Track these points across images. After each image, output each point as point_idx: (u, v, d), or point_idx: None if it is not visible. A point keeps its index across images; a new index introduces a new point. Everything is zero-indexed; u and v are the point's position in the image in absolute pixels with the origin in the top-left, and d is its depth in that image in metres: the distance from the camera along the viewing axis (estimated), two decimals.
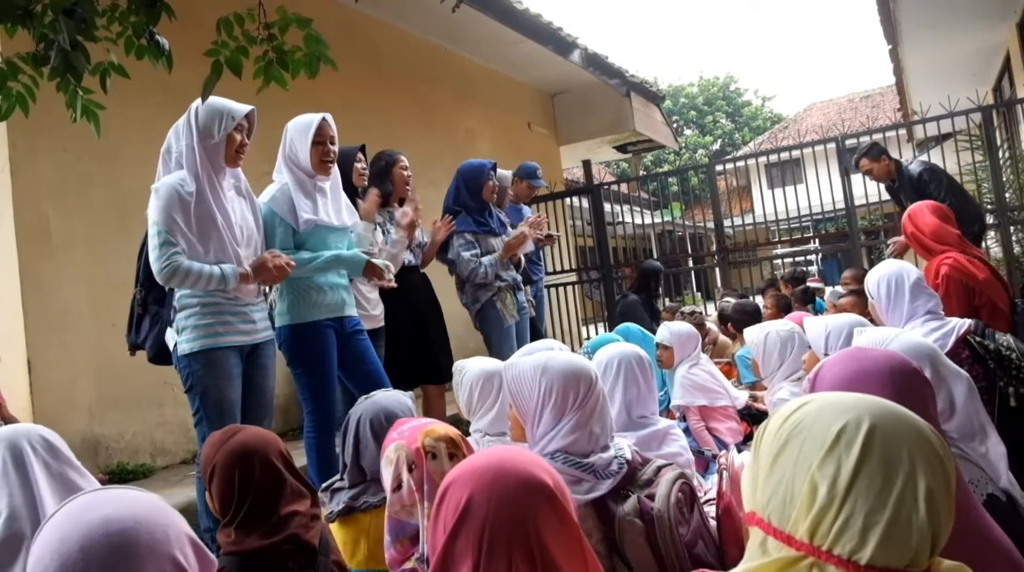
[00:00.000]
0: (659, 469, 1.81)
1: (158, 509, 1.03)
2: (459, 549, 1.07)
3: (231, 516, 1.65)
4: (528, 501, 1.09)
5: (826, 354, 2.50)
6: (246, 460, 1.67)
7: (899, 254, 4.74)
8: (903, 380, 1.41)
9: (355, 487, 2.16)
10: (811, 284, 6.15)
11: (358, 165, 3.69)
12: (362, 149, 3.75)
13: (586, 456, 1.75)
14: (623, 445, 1.87)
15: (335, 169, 3.26)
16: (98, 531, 0.96)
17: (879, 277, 2.75)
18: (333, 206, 3.23)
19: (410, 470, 1.75)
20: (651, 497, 1.70)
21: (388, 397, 2.29)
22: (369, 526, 2.06)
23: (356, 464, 2.19)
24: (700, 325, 4.56)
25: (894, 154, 7.34)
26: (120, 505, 1.01)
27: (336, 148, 3.20)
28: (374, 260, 3.21)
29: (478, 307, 4.40)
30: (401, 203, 4.05)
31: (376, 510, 2.08)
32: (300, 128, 3.14)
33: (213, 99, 2.67)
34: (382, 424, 2.17)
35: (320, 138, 3.12)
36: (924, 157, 6.22)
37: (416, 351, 3.98)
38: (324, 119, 3.15)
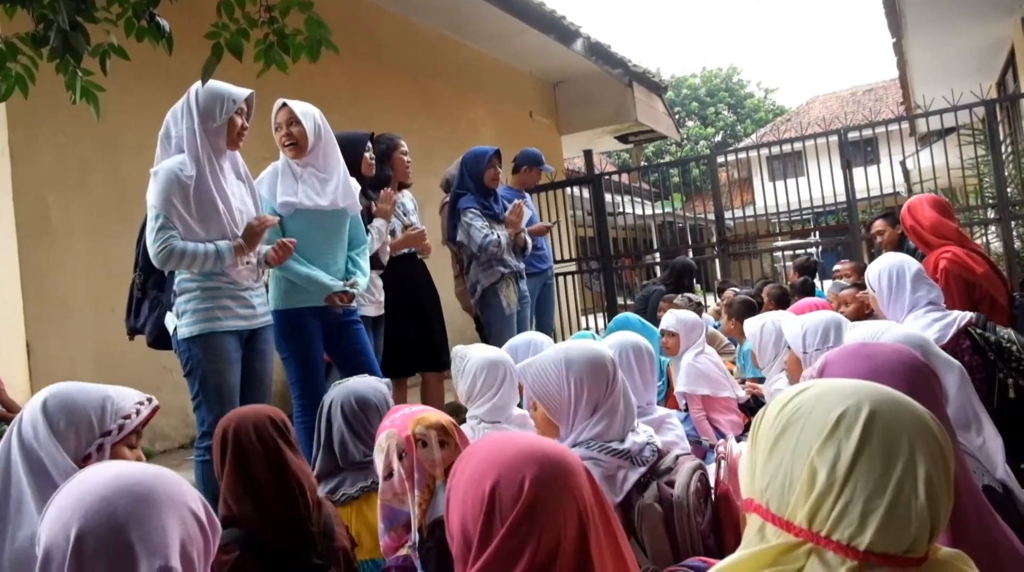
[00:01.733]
0: (677, 458, 1.82)
1: (168, 471, 1.08)
2: (521, 537, 1.03)
3: (228, 478, 1.68)
4: (573, 477, 1.09)
5: (805, 352, 2.49)
6: (247, 428, 1.71)
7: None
8: (915, 375, 1.40)
9: (330, 478, 2.17)
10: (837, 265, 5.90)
11: (367, 154, 3.67)
12: (371, 137, 3.73)
13: (621, 441, 1.76)
14: (650, 430, 1.87)
15: (328, 152, 3.20)
16: (117, 482, 1.01)
17: (880, 269, 2.75)
18: (321, 189, 3.16)
19: (400, 458, 1.75)
20: (670, 484, 1.71)
21: (361, 383, 2.31)
22: (350, 518, 2.08)
23: (329, 450, 2.20)
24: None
25: (896, 149, 7.34)
26: (133, 467, 1.06)
27: (298, 130, 3.10)
28: (335, 291, 3.11)
29: (480, 293, 4.39)
30: (400, 188, 4.04)
31: (356, 502, 2.11)
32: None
33: (213, 83, 2.66)
34: (354, 409, 2.20)
35: (277, 124, 3.16)
36: None
37: (415, 338, 3.99)
38: (282, 104, 3.15)
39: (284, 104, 3.15)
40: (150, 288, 2.91)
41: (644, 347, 2.60)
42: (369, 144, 3.69)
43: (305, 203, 3.11)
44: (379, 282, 3.76)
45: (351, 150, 3.58)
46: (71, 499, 0.99)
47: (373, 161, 3.73)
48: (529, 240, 4.63)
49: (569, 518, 1.05)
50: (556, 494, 1.06)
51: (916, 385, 1.35)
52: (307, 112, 3.14)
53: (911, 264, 2.70)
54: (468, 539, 1.08)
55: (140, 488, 1.00)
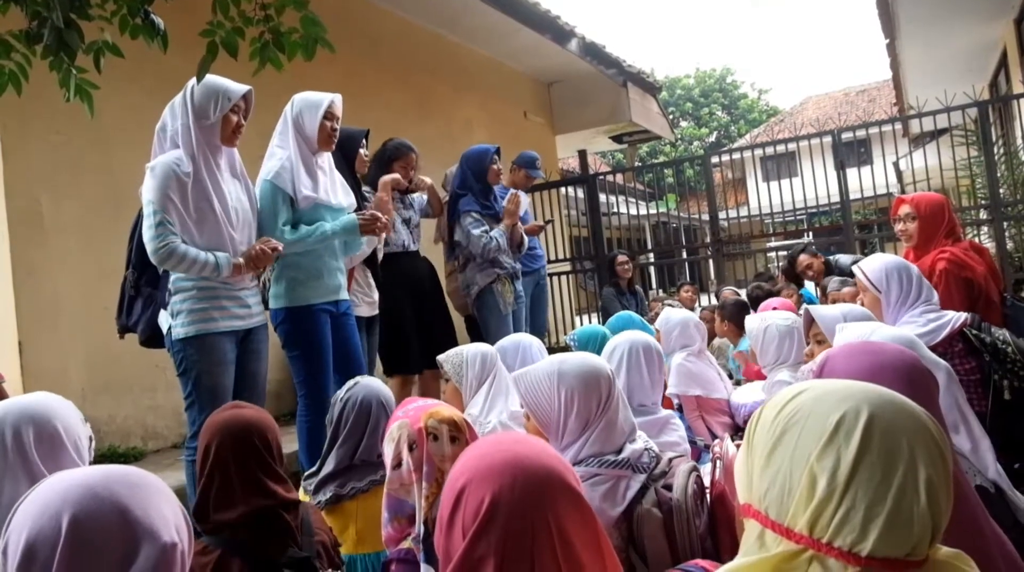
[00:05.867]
0: (671, 460, 1.80)
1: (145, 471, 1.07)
2: (480, 553, 1.01)
3: (206, 485, 1.66)
4: (550, 497, 1.05)
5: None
6: (230, 436, 1.70)
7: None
8: (916, 375, 1.39)
9: (341, 473, 2.16)
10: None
11: (362, 151, 3.67)
12: (366, 135, 3.73)
13: (619, 452, 1.71)
14: (644, 435, 1.84)
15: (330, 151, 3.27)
16: (105, 474, 0.98)
17: (887, 270, 2.72)
18: (331, 185, 3.22)
19: (411, 449, 1.75)
20: (667, 488, 1.68)
21: (377, 383, 2.31)
22: (356, 512, 2.08)
23: (343, 447, 2.18)
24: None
25: (889, 149, 7.37)
26: (111, 465, 1.03)
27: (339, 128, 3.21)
28: (363, 215, 3.21)
29: (476, 291, 4.40)
30: (407, 192, 4.18)
31: (363, 495, 2.10)
32: (312, 102, 3.13)
33: (210, 78, 2.64)
34: (378, 409, 2.18)
35: (329, 115, 3.13)
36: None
37: (417, 335, 4.00)
38: (336, 96, 3.20)
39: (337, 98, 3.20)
40: (144, 286, 2.87)
41: (653, 346, 2.58)
42: (364, 141, 3.70)
43: (324, 199, 3.13)
44: (371, 281, 3.75)
45: (348, 145, 3.58)
46: (52, 493, 0.94)
47: (367, 158, 3.75)
48: (526, 238, 4.65)
49: (540, 548, 1.02)
50: (521, 513, 1.02)
51: (916, 385, 1.35)
52: None
53: (906, 264, 2.68)
54: (440, 526, 1.10)
55: (131, 476, 0.99)
